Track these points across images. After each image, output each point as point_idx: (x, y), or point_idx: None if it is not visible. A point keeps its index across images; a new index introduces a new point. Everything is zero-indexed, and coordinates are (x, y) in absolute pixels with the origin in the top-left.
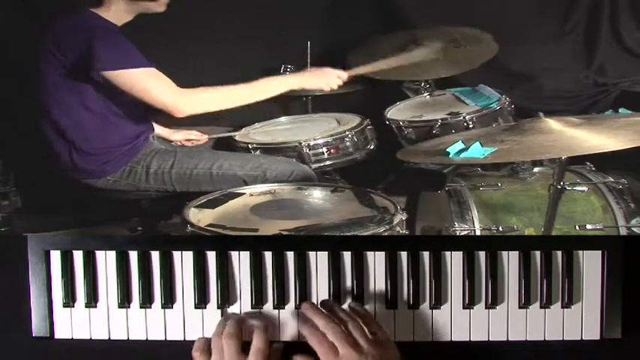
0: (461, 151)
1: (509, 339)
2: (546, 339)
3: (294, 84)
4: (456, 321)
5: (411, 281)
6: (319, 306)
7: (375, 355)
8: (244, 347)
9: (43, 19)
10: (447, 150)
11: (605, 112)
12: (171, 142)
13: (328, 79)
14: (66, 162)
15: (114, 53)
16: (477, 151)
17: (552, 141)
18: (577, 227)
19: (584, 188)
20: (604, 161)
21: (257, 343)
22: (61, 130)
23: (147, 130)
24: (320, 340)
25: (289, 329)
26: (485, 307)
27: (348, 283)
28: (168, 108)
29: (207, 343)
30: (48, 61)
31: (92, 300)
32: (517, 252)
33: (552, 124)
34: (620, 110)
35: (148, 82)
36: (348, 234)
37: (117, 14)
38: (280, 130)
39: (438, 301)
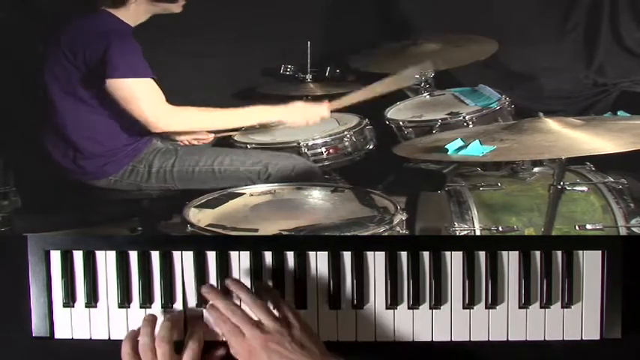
0: (460, 148)
1: (509, 339)
2: (546, 339)
3: (275, 116)
4: (456, 321)
5: (411, 281)
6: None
7: (281, 332)
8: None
9: (47, 19)
10: (446, 147)
11: (604, 115)
12: (176, 140)
13: (310, 116)
14: (68, 162)
15: (123, 62)
16: (476, 149)
17: (552, 141)
18: (577, 227)
19: (584, 188)
20: (604, 161)
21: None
22: (67, 130)
23: (142, 135)
24: (223, 325)
25: None
26: (485, 307)
27: (348, 283)
28: (149, 122)
29: (135, 347)
30: (59, 61)
31: (92, 300)
32: (517, 252)
33: (552, 124)
34: (619, 113)
35: (142, 94)
36: (348, 234)
37: (134, 14)
38: (279, 129)
39: (438, 301)
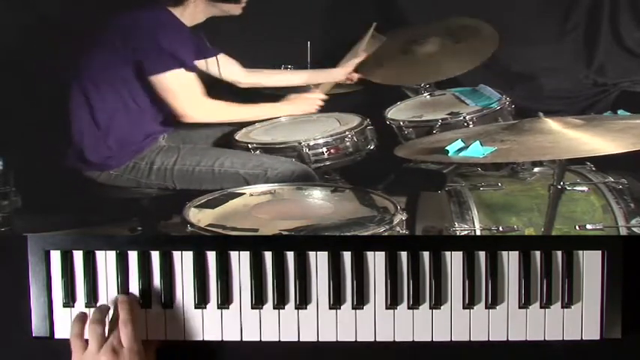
0: (460, 149)
1: (509, 339)
2: (546, 339)
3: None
4: (456, 321)
5: (411, 281)
6: None
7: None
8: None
9: (47, 18)
10: (446, 148)
11: (604, 114)
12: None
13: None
14: (75, 149)
15: (167, 56)
16: (477, 151)
17: (552, 142)
18: (577, 227)
19: (584, 188)
20: (604, 161)
21: (123, 315)
22: (87, 114)
23: (160, 132)
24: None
25: (289, 329)
26: (485, 307)
27: (348, 283)
28: (185, 114)
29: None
30: (105, 48)
31: (92, 300)
32: (517, 252)
33: (552, 124)
34: (619, 112)
35: (181, 88)
36: (348, 234)
37: (192, 14)
38: (280, 129)
39: (438, 301)
